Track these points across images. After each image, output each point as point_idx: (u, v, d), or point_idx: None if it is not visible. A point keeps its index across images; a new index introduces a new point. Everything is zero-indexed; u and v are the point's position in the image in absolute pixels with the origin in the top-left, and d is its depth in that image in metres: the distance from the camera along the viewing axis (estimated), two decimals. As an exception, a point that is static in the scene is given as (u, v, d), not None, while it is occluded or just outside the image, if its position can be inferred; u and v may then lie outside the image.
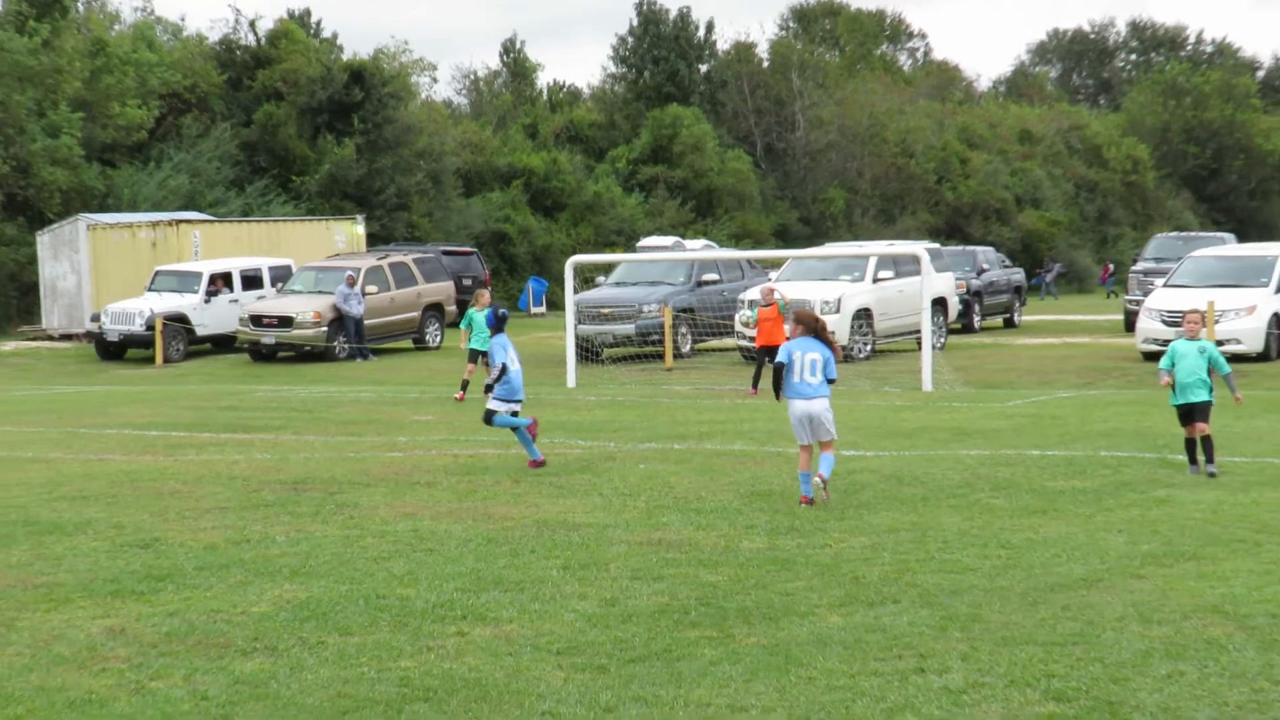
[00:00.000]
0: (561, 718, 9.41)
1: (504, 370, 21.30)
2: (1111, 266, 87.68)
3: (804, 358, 16.68)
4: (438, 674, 10.44)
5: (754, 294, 39.37)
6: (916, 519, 16.09)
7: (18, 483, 20.15)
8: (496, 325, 22.09)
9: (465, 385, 31.10)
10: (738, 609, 12.12)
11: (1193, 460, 18.67)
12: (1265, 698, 9.50)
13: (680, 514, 16.70)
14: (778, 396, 17.29)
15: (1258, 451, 20.89)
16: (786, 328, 30.68)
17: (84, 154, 62.30)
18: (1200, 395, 18.64)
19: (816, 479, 16.80)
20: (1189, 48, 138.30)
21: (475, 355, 30.93)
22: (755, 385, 31.16)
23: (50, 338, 52.89)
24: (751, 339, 38.46)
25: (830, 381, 17.01)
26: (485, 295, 32.85)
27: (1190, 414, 18.69)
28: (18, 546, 15.56)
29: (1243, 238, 66.26)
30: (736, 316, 39.86)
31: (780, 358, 17.02)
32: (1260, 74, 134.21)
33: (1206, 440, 18.49)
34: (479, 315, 30.91)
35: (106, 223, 53.41)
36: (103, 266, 51.94)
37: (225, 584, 13.51)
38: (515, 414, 21.39)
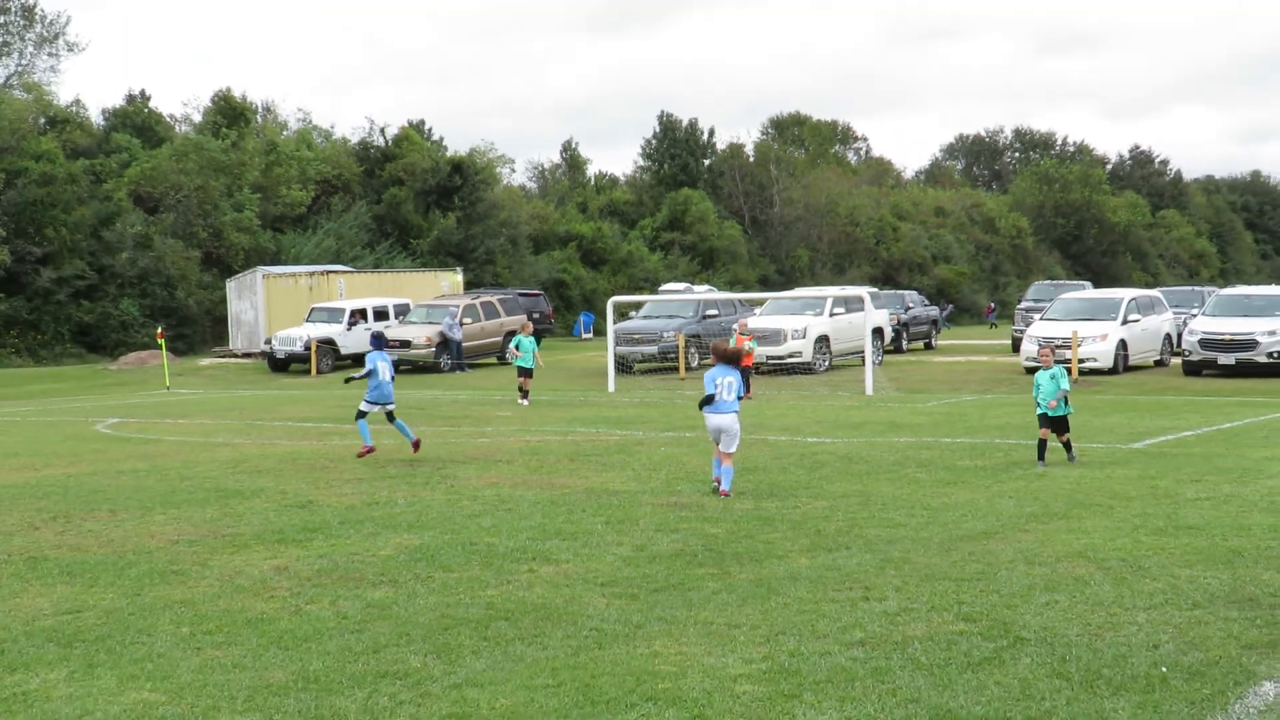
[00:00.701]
0: (604, 632, 9.32)
1: (370, 374, 20.39)
2: (993, 305, 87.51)
3: (723, 381, 15.66)
4: (514, 600, 10.37)
5: (750, 324, 39.48)
6: (862, 488, 15.99)
7: (210, 460, 20.13)
8: (375, 343, 21.07)
9: (523, 392, 30.67)
10: (733, 553, 12.04)
11: (1040, 456, 17.82)
12: (1117, 620, 9.38)
13: (691, 484, 16.62)
14: (701, 408, 15.96)
15: (1110, 440, 20.75)
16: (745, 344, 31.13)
17: (260, 223, 62.65)
18: (1059, 412, 17.83)
19: (715, 482, 15.72)
20: (1058, 148, 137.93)
21: (523, 371, 30.62)
22: (746, 391, 30.85)
23: (235, 355, 53.01)
24: (758, 358, 38.49)
25: (741, 398, 15.89)
26: (529, 324, 32.99)
27: (1051, 423, 17.88)
28: (210, 507, 15.54)
29: (1097, 284, 66.07)
30: (730, 341, 39.84)
31: (707, 387, 15.72)
32: (1109, 167, 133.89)
33: (1066, 444, 17.98)
34: (526, 340, 30.65)
35: (276, 273, 53.59)
36: (273, 304, 52.09)
37: (360, 534, 13.46)
38: (391, 415, 20.53)
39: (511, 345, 31.87)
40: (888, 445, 20.42)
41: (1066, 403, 17.92)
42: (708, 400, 15.69)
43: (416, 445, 20.24)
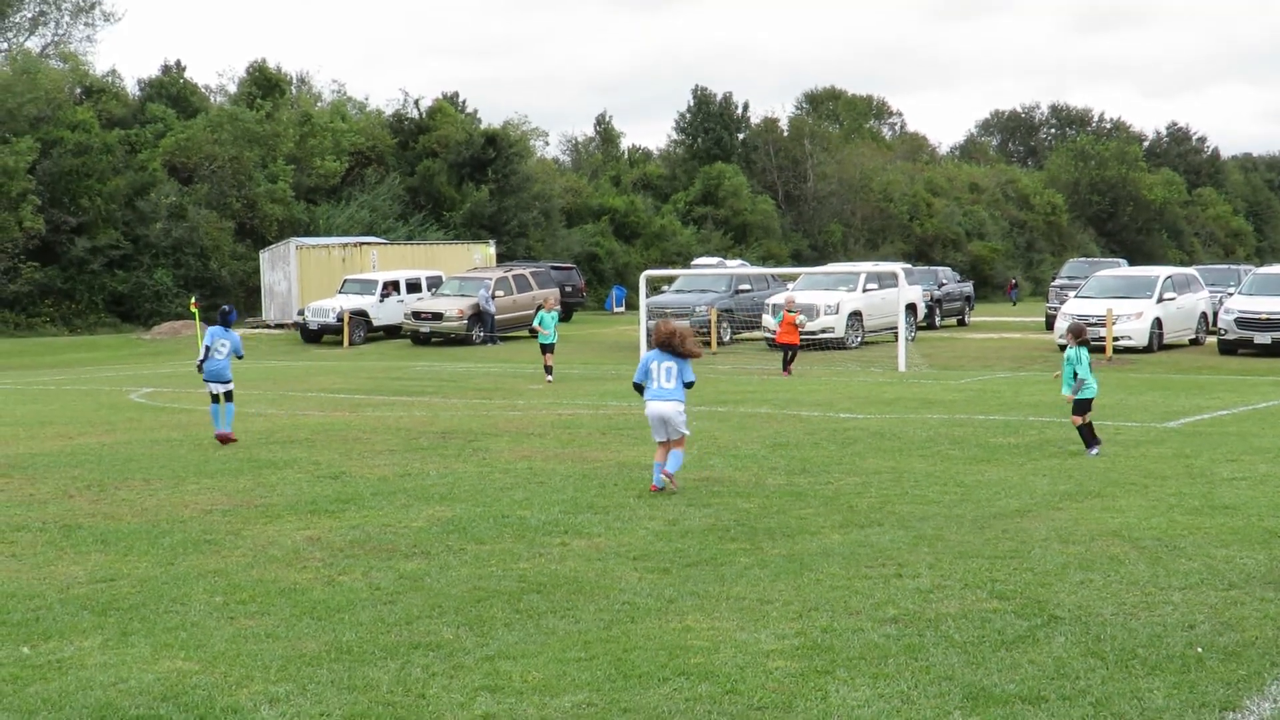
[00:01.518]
0: (636, 606, 9.32)
1: (207, 353, 19.26)
2: (1014, 281, 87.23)
3: (660, 366, 14.22)
4: (547, 573, 10.37)
5: (779, 299, 39.34)
6: (895, 464, 15.94)
7: (243, 431, 20.18)
8: (221, 319, 19.63)
9: (548, 369, 29.53)
10: (765, 529, 12.01)
11: (1090, 442, 16.84)
12: (1152, 599, 9.33)
13: (722, 458, 16.60)
14: (640, 392, 14.65)
15: (1145, 418, 20.63)
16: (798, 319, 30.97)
17: (294, 195, 62.77)
18: (1083, 394, 16.89)
19: (663, 476, 14.10)
20: (1094, 125, 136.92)
21: (545, 347, 29.57)
22: (785, 368, 30.81)
23: (268, 326, 53.17)
24: (774, 335, 38.42)
25: (688, 385, 14.34)
26: (550, 299, 32.25)
27: (1075, 406, 17.03)
28: (243, 477, 15.60)
29: (1132, 263, 65.70)
30: (763, 316, 39.80)
31: (638, 375, 14.55)
32: (1145, 144, 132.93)
33: (1081, 430, 16.91)
34: (548, 316, 29.86)
35: (310, 244, 53.72)
36: (307, 275, 52.20)
37: (393, 505, 13.49)
38: (228, 395, 19.14)
39: (535, 322, 31.03)
40: (920, 422, 20.34)
41: (1086, 387, 16.93)
42: (640, 388, 14.53)
43: (224, 439, 18.83)
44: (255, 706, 7.36)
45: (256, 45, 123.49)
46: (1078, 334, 17.27)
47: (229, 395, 19.28)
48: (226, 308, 20.28)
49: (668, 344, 14.29)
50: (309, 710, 7.30)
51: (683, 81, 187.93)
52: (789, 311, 31.36)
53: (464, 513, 12.98)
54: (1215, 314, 37.90)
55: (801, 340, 37.50)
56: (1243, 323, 34.35)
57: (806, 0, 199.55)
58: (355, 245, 54.39)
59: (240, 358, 20.14)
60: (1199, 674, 7.65)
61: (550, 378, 29.35)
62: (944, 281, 51.71)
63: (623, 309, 66.81)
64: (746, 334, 42.37)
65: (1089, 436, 16.84)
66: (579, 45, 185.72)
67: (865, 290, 40.13)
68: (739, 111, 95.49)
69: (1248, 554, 10.71)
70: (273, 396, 26.66)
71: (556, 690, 7.52)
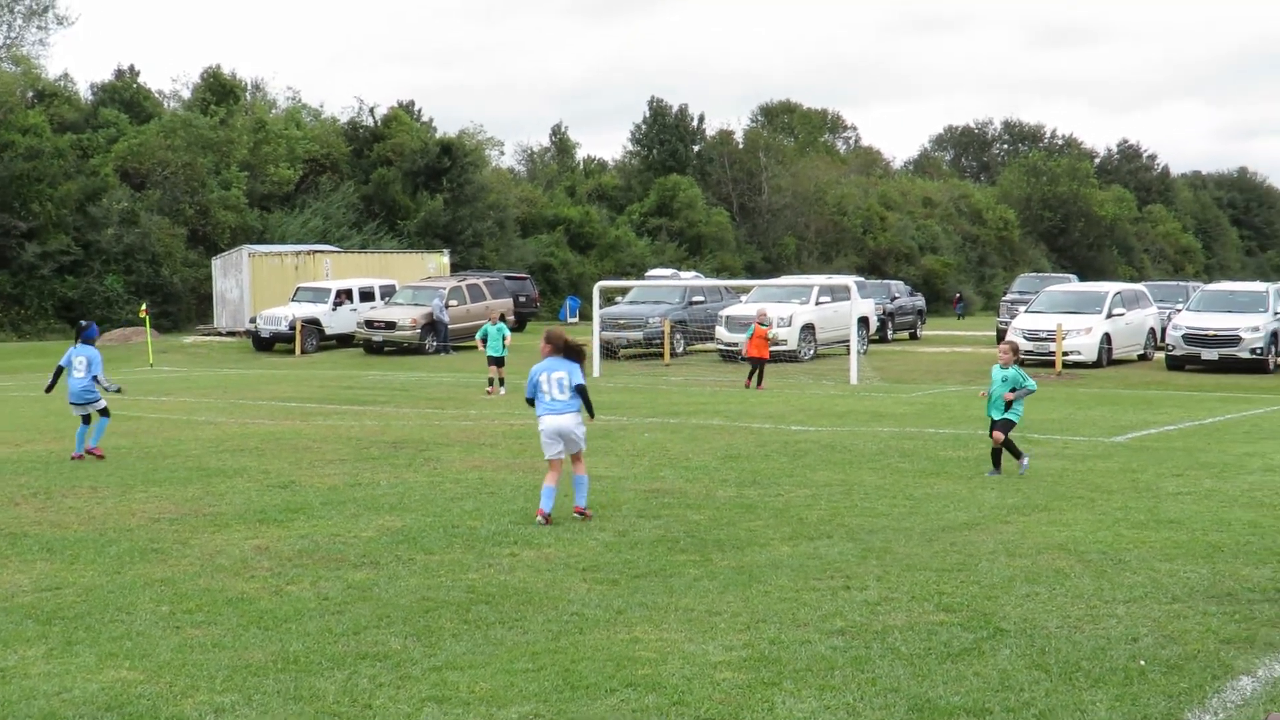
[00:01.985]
0: (585, 617, 9.32)
1: (59, 373, 18.30)
2: (960, 295, 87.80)
3: (550, 377, 13.19)
4: (496, 584, 10.37)
5: (734, 311, 39.41)
6: (845, 477, 16.00)
7: (193, 439, 20.08)
8: (79, 336, 18.51)
9: (492, 381, 28.72)
10: (714, 540, 12.04)
11: (995, 465, 16.40)
12: (1097, 612, 9.41)
13: (673, 470, 16.62)
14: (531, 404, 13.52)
15: (1093, 433, 20.79)
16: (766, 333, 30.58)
17: (248, 202, 62.45)
18: (996, 414, 16.38)
19: (575, 512, 13.15)
20: (1046, 141, 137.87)
21: (492, 360, 28.84)
22: (756, 383, 30.25)
23: (219, 334, 52.90)
24: (730, 345, 38.54)
25: (580, 390, 13.24)
26: (496, 312, 31.73)
27: (992, 425, 16.50)
28: (192, 486, 15.51)
29: (1083, 278, 66.21)
30: (717, 328, 39.90)
31: (527, 390, 13.45)
32: (1096, 161, 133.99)
33: (1007, 444, 16.34)
34: (493, 328, 29.31)
35: (263, 252, 53.49)
36: (259, 283, 51.99)
37: (342, 515, 13.44)
38: (103, 412, 18.15)
39: (478, 336, 30.21)
40: (871, 435, 20.43)
41: (1009, 406, 16.33)
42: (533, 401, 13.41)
43: (82, 456, 17.94)
44: (200, 717, 7.32)
45: (211, 51, 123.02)
46: (1014, 351, 17.07)
47: (103, 411, 18.23)
48: (85, 323, 19.02)
49: (565, 350, 13.36)
50: (254, 720, 7.27)
51: (639, 93, 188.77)
52: (761, 324, 31.13)
53: (414, 523, 12.95)
54: (1163, 330, 38.24)
55: (740, 352, 37.60)
56: (1190, 339, 34.67)
57: (763, 13, 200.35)
58: (308, 253, 54.18)
59: (97, 380, 18.17)
60: (1141, 686, 7.72)
61: (496, 391, 28.56)
62: (896, 295, 52.00)
63: (577, 320, 66.78)
64: (700, 345, 42.46)
65: (1012, 450, 16.44)
66: (536, 55, 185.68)
67: (818, 303, 40.27)
68: (694, 123, 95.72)
69: (1191, 568, 10.81)
70: (223, 405, 26.52)
71: (504, 701, 7.52)
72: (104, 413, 18.35)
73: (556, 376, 13.22)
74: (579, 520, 13.08)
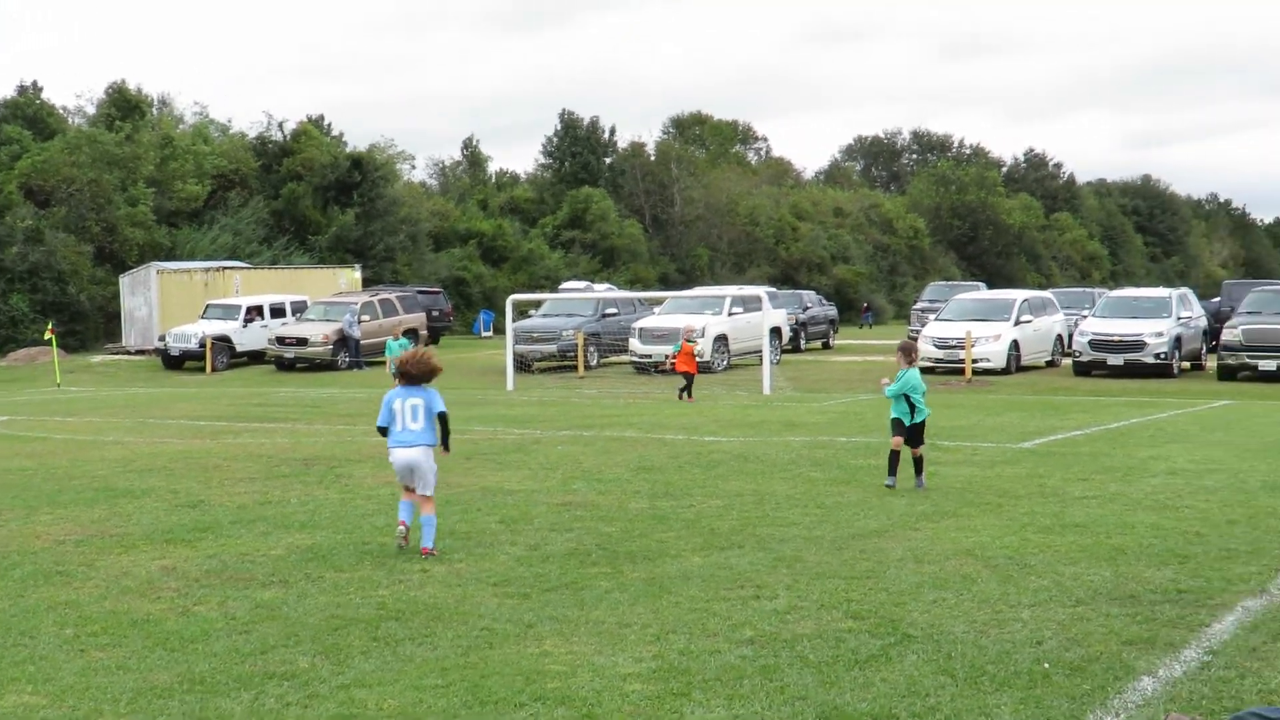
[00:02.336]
0: (495, 632, 9.30)
1: None
2: (867, 305, 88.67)
3: (404, 405, 12.12)
4: (406, 600, 10.32)
5: (648, 323, 39.50)
6: (757, 486, 16.08)
7: (100, 459, 19.83)
8: None
9: None
10: (626, 552, 12.05)
11: (891, 471, 15.83)
12: (1002, 617, 9.52)
13: (586, 483, 16.62)
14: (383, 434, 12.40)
15: (1000, 439, 21.04)
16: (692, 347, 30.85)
17: (155, 218, 61.78)
18: (896, 413, 15.82)
19: (423, 553, 11.87)
20: (954, 150, 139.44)
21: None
22: (682, 394, 30.30)
23: (128, 352, 52.30)
24: (644, 357, 38.62)
25: (441, 419, 12.18)
26: (399, 329, 31.23)
27: (905, 432, 15.78)
28: (98, 506, 15.30)
29: (991, 286, 67.00)
30: (630, 340, 39.97)
31: (381, 417, 12.27)
32: (1004, 170, 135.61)
33: (918, 462, 15.86)
34: (395, 344, 28.79)
35: (171, 269, 53.02)
36: (168, 300, 51.50)
37: (252, 534, 13.32)
38: None
39: (386, 353, 29.77)
40: (783, 444, 20.55)
41: (914, 411, 15.76)
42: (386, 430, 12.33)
43: None
44: (104, 740, 7.23)
45: (116, 66, 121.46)
46: (908, 353, 16.26)
47: None
48: None
49: (422, 374, 12.21)
50: (159, 743, 7.19)
51: (551, 106, 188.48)
52: (688, 341, 31.36)
53: (324, 540, 12.86)
54: (1070, 336, 38.80)
55: (665, 363, 37.71)
56: (1096, 344, 35.19)
57: (674, 26, 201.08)
58: (218, 269, 53.71)
59: None
60: (1045, 689, 7.82)
61: None
62: (809, 305, 52.37)
63: (490, 333, 66.67)
64: (614, 358, 42.51)
65: (916, 464, 15.79)
66: (448, 69, 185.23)
67: (731, 314, 40.48)
68: (606, 136, 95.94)
69: (1095, 570, 10.97)
70: (131, 424, 26.20)
71: (413, 717, 7.48)
72: None
73: (412, 403, 12.12)
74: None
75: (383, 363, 45.17)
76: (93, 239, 58.83)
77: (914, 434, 15.83)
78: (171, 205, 64.15)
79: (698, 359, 31.88)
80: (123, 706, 7.76)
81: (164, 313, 51.14)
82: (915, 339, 41.28)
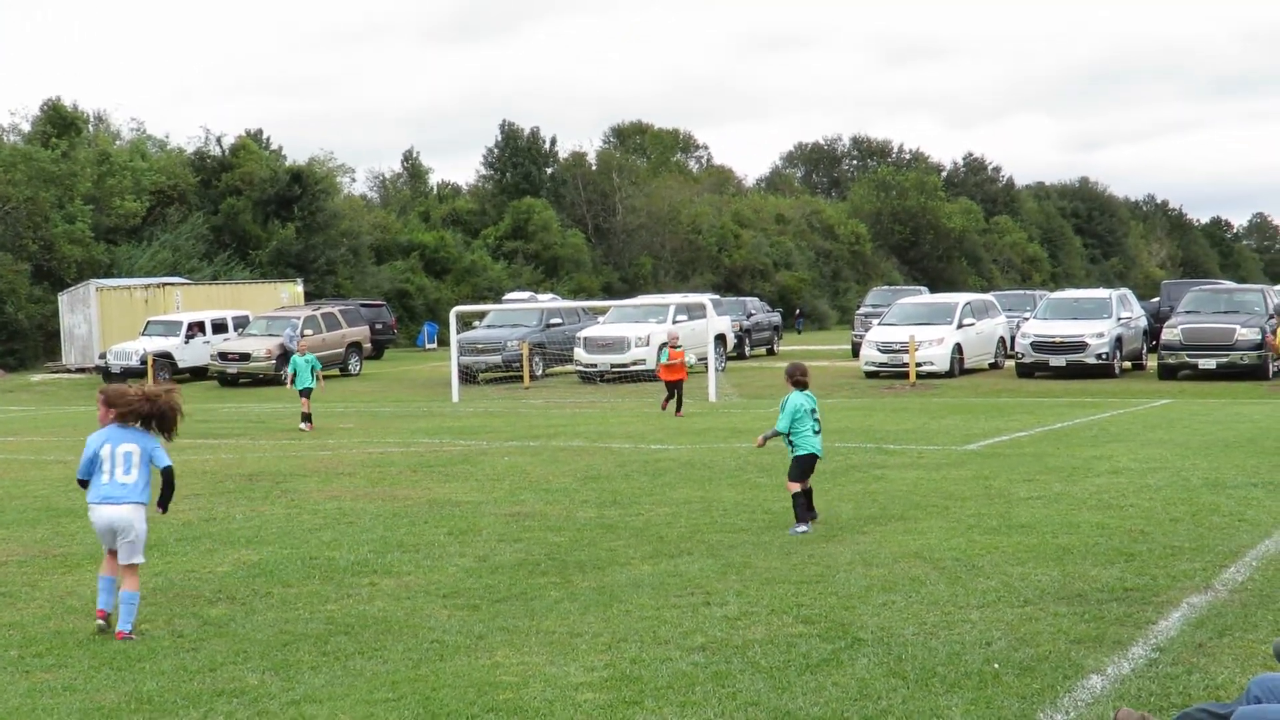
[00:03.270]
0: (445, 644, 9.26)
1: None
2: (799, 310, 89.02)
3: (116, 451, 9.97)
4: (355, 614, 10.26)
5: (592, 332, 39.43)
6: (704, 494, 16.10)
7: (41, 479, 19.61)
8: None
9: (306, 417, 27.07)
10: (575, 562, 12.04)
11: (801, 517, 13.37)
12: (951, 618, 9.57)
13: (534, 493, 16.59)
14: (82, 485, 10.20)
15: (945, 442, 21.16)
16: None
17: (94, 235, 61.17)
18: (805, 447, 13.60)
19: (118, 637, 9.62)
20: (894, 156, 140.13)
21: (302, 392, 27.22)
22: (663, 405, 28.34)
23: (68, 371, 51.77)
24: (589, 366, 38.59)
25: (166, 472, 10.13)
26: (304, 344, 29.49)
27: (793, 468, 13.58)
28: (41, 526, 15.13)
29: (933, 290, 67.38)
30: (575, 349, 39.95)
31: (80, 468, 10.11)
32: (944, 174, 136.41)
33: (798, 495, 13.48)
34: (300, 360, 27.53)
35: (111, 286, 52.51)
36: (108, 318, 50.99)
37: (197, 551, 13.22)
38: None
39: (289, 369, 28.11)
40: (730, 451, 20.58)
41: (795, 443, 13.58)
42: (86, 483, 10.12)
43: None
44: (51, 762, 7.14)
45: (51, 83, 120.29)
46: (794, 376, 13.97)
47: None
48: None
49: (142, 411, 10.18)
50: (107, 764, 7.11)
51: (493, 117, 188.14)
52: (674, 348, 28.51)
53: (271, 556, 12.77)
54: (1013, 338, 39.08)
55: (610, 372, 37.73)
56: (1038, 346, 35.46)
57: (614, 36, 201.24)
58: (158, 286, 53.21)
59: None
60: (995, 689, 7.86)
61: (307, 426, 26.89)
62: (752, 312, 52.47)
63: (434, 345, 66.42)
64: (559, 368, 42.48)
65: (803, 507, 13.41)
66: (388, 82, 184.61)
67: (675, 322, 40.49)
68: (547, 146, 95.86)
69: (1042, 571, 11.04)
70: (73, 443, 25.89)
71: (364, 732, 7.44)
72: None
73: (125, 450, 10.01)
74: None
75: (329, 375, 45.03)
76: (30, 257, 58.20)
77: (798, 467, 13.52)
78: (110, 222, 63.56)
79: (633, 365, 30.97)
80: (69, 728, 7.67)
81: (104, 330, 50.65)
82: (859, 344, 41.51)
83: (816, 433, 13.72)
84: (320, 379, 28.29)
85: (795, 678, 8.19)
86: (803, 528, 13.17)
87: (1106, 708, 7.45)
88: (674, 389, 28.23)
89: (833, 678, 8.17)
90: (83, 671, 8.85)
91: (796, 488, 13.43)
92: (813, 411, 13.75)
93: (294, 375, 27.83)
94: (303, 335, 44.31)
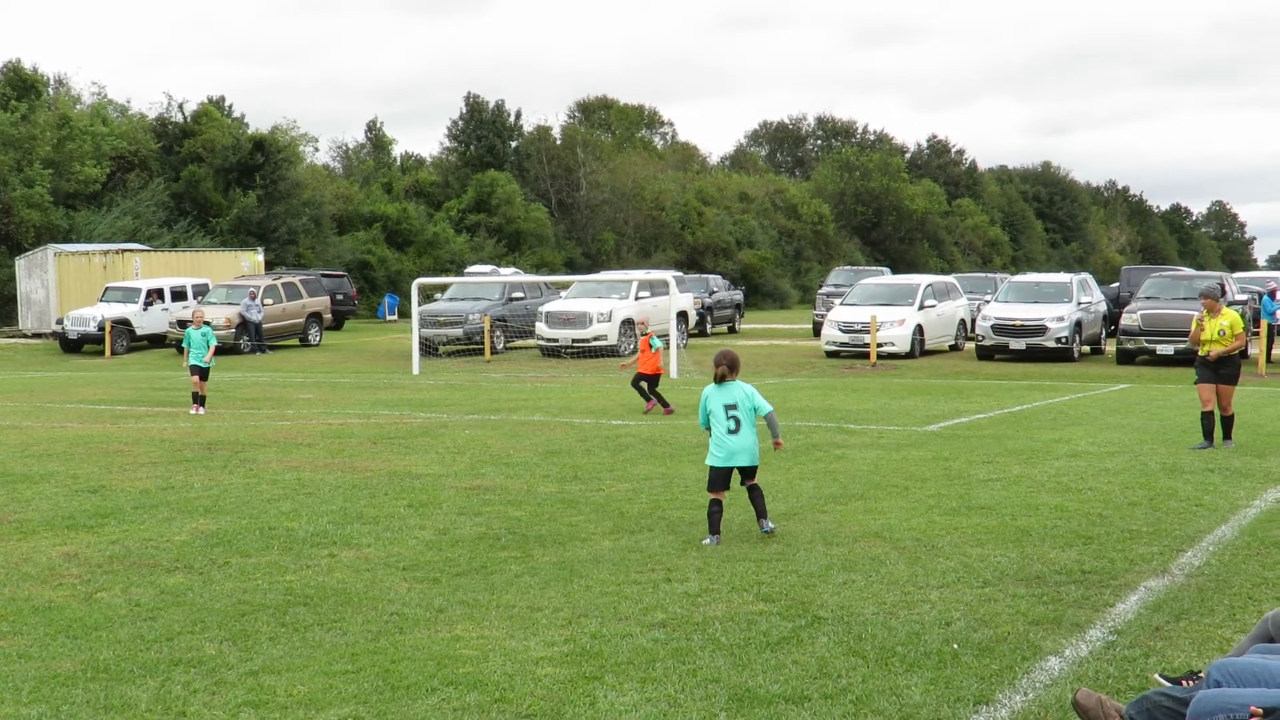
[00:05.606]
0: (405, 617, 9.22)
1: None
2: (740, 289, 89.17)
3: None
4: (314, 585, 10.21)
5: (554, 307, 39.37)
6: (665, 470, 16.10)
7: (-2, 444, 19.45)
8: None
9: (197, 398, 24.19)
10: (536, 536, 12.02)
11: (715, 528, 11.70)
12: (911, 598, 9.59)
13: (495, 466, 16.55)
14: None
15: (905, 423, 21.21)
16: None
17: (52, 200, 60.65)
18: (742, 458, 12.14)
19: None
20: (858, 136, 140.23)
21: (195, 370, 24.19)
22: (648, 401, 24.16)
23: (24, 336, 51.39)
24: (550, 340, 38.57)
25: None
26: (200, 315, 26.65)
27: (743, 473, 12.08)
28: (-3, 492, 15.01)
29: (895, 270, 67.57)
30: (537, 324, 39.89)
31: None
32: (907, 156, 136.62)
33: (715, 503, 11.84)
34: (195, 334, 24.40)
35: (69, 251, 52.09)
36: (66, 283, 50.63)
37: (155, 519, 13.12)
38: None
39: (184, 343, 25.14)
40: (691, 427, 20.56)
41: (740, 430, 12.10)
42: None
43: None
44: (5, 730, 7.08)
45: (11, 45, 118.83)
46: (721, 365, 12.35)
47: None
48: None
49: None
50: (63, 732, 7.05)
51: (457, 89, 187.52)
52: (649, 336, 24.70)
53: (229, 525, 12.70)
54: (974, 321, 39.23)
55: (571, 347, 37.69)
56: (999, 329, 35.60)
57: (582, 11, 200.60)
58: (117, 252, 52.81)
59: None
60: (954, 669, 7.89)
61: (197, 409, 24.07)
62: (715, 289, 52.53)
63: (395, 317, 66.25)
64: (520, 342, 42.42)
65: (715, 515, 11.77)
66: (353, 52, 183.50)
67: (638, 298, 40.48)
68: (512, 119, 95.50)
69: (1001, 552, 11.09)
70: (29, 408, 25.72)
71: (322, 704, 7.40)
72: None
73: None
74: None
75: (290, 345, 44.80)
76: (-13, 221, 57.75)
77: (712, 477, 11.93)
78: (69, 187, 63.02)
79: (594, 341, 29.90)
80: (25, 695, 7.61)
81: (62, 295, 50.31)
82: (820, 323, 41.59)
83: (732, 432, 11.89)
84: (211, 353, 24.54)
85: (755, 655, 8.19)
86: (709, 540, 11.55)
87: (1065, 689, 7.48)
88: (653, 382, 24.47)
89: (793, 656, 8.18)
90: (38, 639, 8.78)
91: (711, 495, 11.87)
92: (731, 407, 11.96)
93: (188, 350, 24.62)
94: (264, 304, 44.06)
